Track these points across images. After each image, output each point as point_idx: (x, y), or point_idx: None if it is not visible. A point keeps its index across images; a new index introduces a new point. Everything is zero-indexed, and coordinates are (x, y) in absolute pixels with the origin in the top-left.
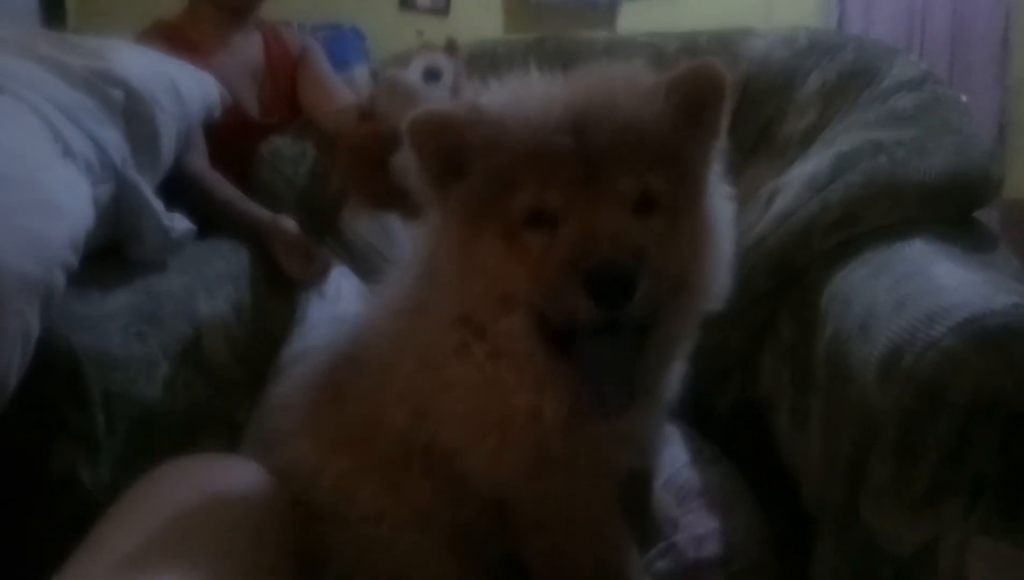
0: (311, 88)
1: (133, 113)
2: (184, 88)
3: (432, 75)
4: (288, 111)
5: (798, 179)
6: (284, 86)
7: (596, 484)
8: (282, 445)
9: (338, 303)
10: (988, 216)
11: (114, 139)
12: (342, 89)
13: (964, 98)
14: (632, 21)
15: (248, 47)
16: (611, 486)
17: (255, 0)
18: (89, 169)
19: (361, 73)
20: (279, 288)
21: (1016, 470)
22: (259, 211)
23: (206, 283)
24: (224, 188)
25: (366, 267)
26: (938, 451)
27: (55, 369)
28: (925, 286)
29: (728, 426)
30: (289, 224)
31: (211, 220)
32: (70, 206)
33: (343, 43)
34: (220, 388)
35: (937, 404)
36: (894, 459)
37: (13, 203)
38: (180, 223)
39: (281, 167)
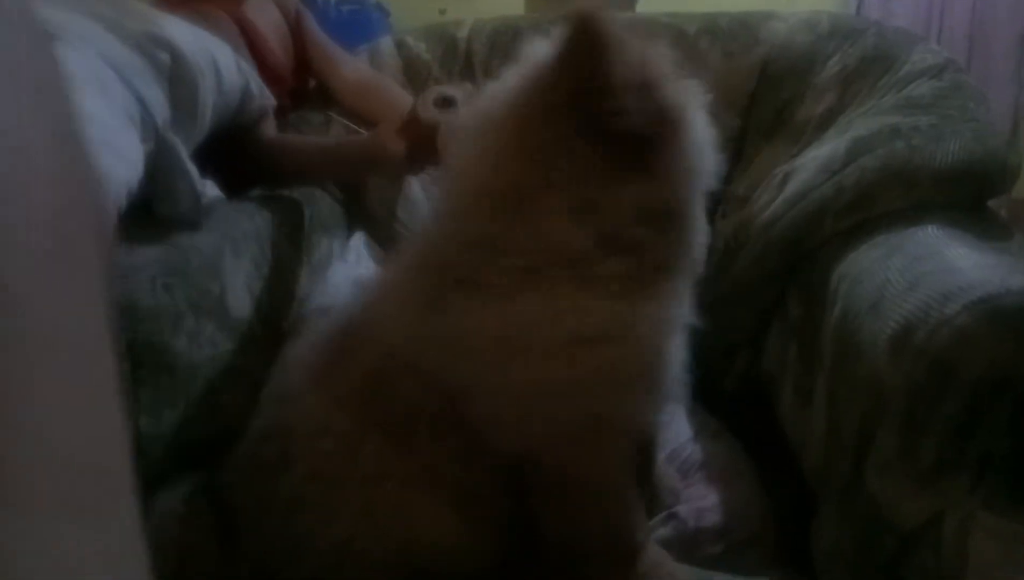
0: (318, 54)
1: (178, 77)
2: (224, 68)
3: (448, 102)
4: (307, 72)
5: (813, 162)
6: (298, 45)
7: (621, 446)
8: (289, 401)
9: (358, 266)
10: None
11: (158, 100)
12: (341, 52)
13: None
14: (653, 2)
15: (264, 17)
16: (631, 448)
17: None
18: (132, 121)
19: (386, 43)
20: (301, 248)
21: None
22: (356, 144)
23: (232, 241)
24: (310, 140)
25: (386, 234)
26: (946, 426)
27: None
28: (939, 266)
29: (733, 402)
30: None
31: (304, 178)
32: (129, 152)
33: (367, 18)
34: (242, 344)
35: (947, 380)
36: (902, 432)
37: (89, 136)
38: (211, 190)
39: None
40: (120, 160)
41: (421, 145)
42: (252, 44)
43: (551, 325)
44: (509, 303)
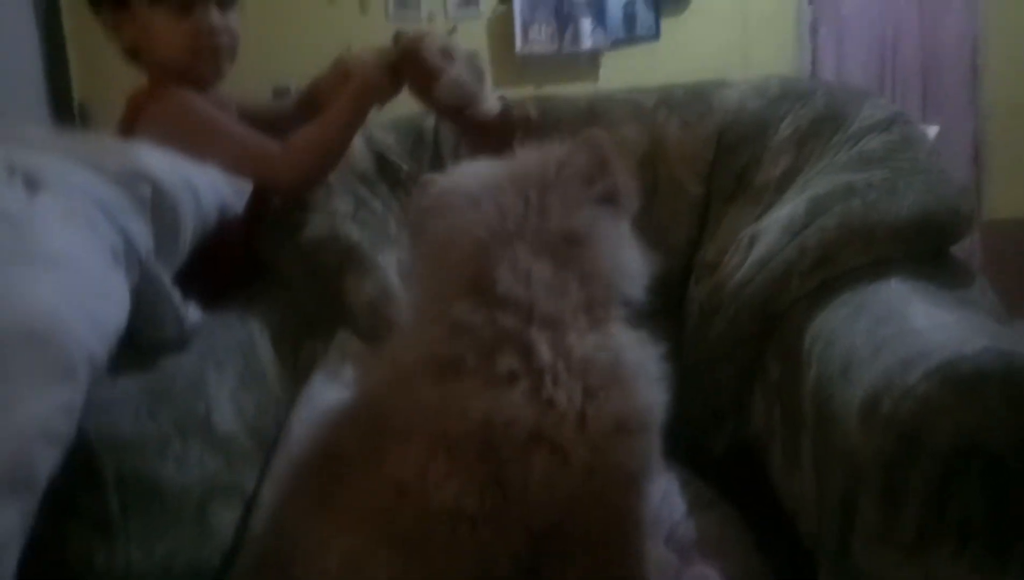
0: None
1: (159, 209)
2: (201, 189)
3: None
4: None
5: (775, 224)
6: None
7: (642, 494)
8: (286, 522)
9: (342, 366)
10: (969, 239)
11: (141, 232)
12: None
13: (936, 128)
14: (614, 69)
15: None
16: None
17: (218, 67)
18: (116, 259)
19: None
20: (285, 353)
21: (1002, 509)
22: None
23: (215, 357)
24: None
25: (368, 329)
26: (922, 495)
27: (69, 455)
28: (900, 330)
29: (725, 467)
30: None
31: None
32: (119, 297)
33: None
34: (231, 460)
35: (917, 450)
36: (881, 504)
37: (81, 287)
38: (194, 314)
39: (284, 236)
40: (111, 304)
41: (419, 86)
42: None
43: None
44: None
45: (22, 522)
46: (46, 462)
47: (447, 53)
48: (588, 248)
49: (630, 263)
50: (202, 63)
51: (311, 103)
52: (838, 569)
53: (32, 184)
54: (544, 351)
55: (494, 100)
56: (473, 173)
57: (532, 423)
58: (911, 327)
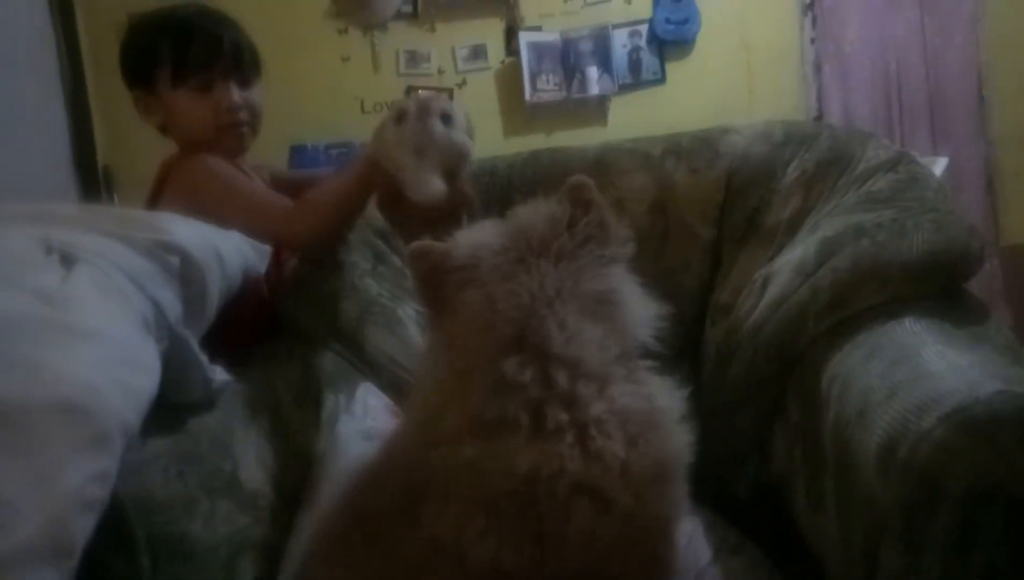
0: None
1: (188, 277)
2: (226, 255)
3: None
4: None
5: (787, 265)
6: None
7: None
8: None
9: (365, 419)
10: (988, 264)
11: (171, 301)
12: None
13: (947, 159)
14: (622, 115)
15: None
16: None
17: (240, 141)
18: (147, 328)
19: None
20: (308, 409)
21: None
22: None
23: (240, 416)
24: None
25: (389, 382)
26: (944, 541)
27: (102, 520)
28: (915, 373)
29: (749, 509)
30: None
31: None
32: (151, 365)
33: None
34: (258, 516)
35: (936, 495)
36: (902, 550)
37: (116, 358)
38: (220, 375)
39: (304, 291)
40: (143, 373)
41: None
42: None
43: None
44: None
45: None
46: (83, 529)
47: (447, 114)
48: (617, 306)
49: (645, 312)
50: (225, 138)
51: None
52: None
53: (68, 260)
54: (593, 403)
55: (439, 185)
56: (478, 237)
57: (578, 474)
58: (925, 370)
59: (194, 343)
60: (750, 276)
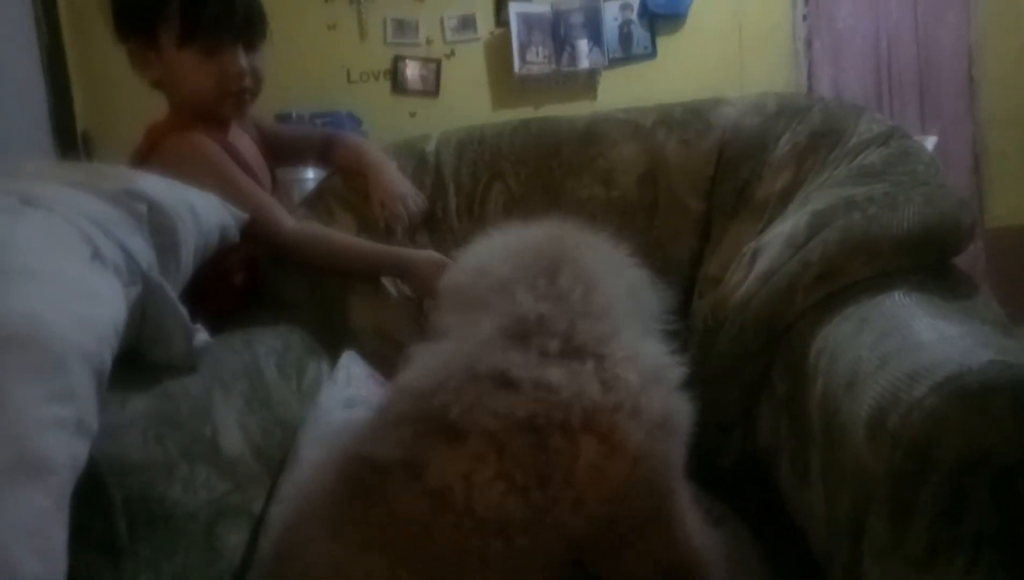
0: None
1: (156, 224)
2: (200, 209)
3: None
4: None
5: (778, 238)
6: (269, 162)
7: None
8: (302, 547)
9: (348, 387)
10: (972, 246)
11: (141, 247)
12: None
13: (935, 138)
14: (612, 89)
15: (243, 145)
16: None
17: (241, 108)
18: (118, 272)
19: None
20: (291, 377)
21: (1014, 523)
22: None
23: (221, 380)
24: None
25: (373, 351)
26: (932, 509)
27: (78, 482)
28: (906, 343)
29: (734, 481)
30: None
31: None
32: (108, 296)
33: (341, 128)
34: (238, 482)
35: (925, 464)
36: (890, 518)
37: (61, 291)
38: (202, 335)
39: (287, 261)
40: (98, 303)
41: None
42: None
43: None
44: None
45: (53, 504)
46: (57, 447)
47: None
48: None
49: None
50: (226, 104)
51: (328, 156)
52: None
53: (27, 201)
54: (611, 342)
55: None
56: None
57: (594, 398)
58: (916, 341)
59: (172, 293)
60: (739, 249)
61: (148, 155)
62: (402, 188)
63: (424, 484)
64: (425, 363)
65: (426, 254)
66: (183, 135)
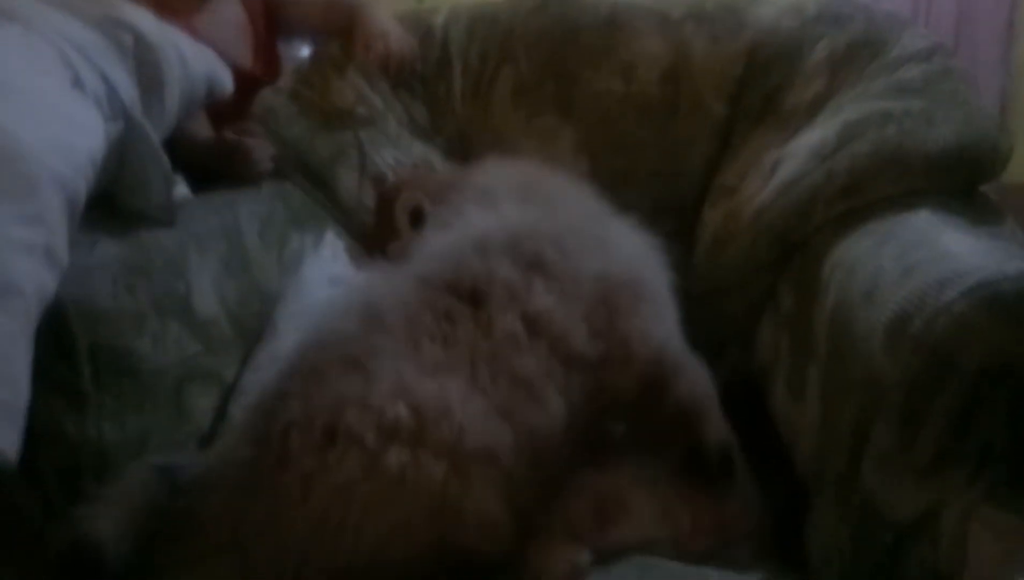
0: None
1: (142, 59)
2: (188, 55)
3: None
4: (276, 61)
5: (803, 148)
6: (264, 35)
7: None
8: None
9: (335, 264)
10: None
11: (124, 80)
12: None
13: None
14: None
15: (218, 21)
16: None
17: None
18: (98, 103)
19: None
20: (272, 245)
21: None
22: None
23: (198, 238)
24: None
25: (359, 228)
26: (945, 418)
27: (41, 320)
28: (934, 253)
29: (725, 398)
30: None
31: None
32: (87, 125)
33: None
34: (210, 345)
35: (946, 370)
36: (900, 425)
37: (38, 111)
38: (182, 188)
39: (276, 126)
40: (75, 130)
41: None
42: None
43: None
44: None
45: (19, 329)
46: (25, 271)
47: (417, 214)
48: None
49: None
50: None
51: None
52: (842, 495)
53: (2, 13)
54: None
55: None
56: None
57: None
58: (945, 251)
59: (153, 135)
60: (760, 159)
61: None
62: (386, 26)
63: (523, 308)
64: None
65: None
66: None
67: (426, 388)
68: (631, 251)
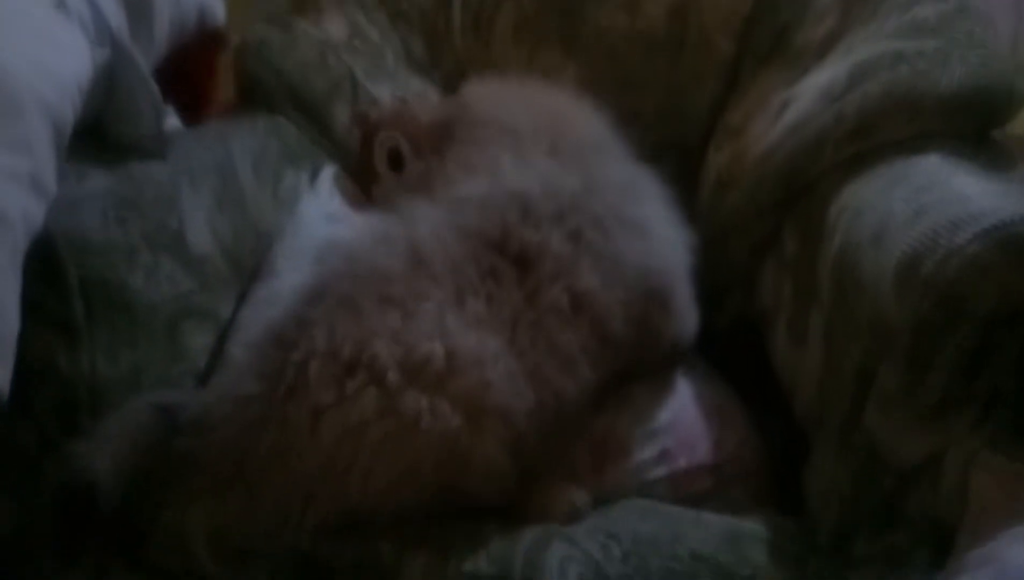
0: None
1: None
2: None
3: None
4: None
5: (813, 88)
6: None
7: None
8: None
9: (332, 201)
10: None
11: (110, 3)
12: None
13: None
14: None
15: None
16: None
17: None
18: (84, 27)
19: None
20: (266, 181)
21: None
22: None
23: (191, 173)
24: None
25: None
26: (953, 362)
27: (29, 252)
28: (946, 195)
29: (725, 344)
30: None
31: None
32: (72, 48)
33: None
34: (205, 282)
35: (956, 313)
36: (905, 369)
37: (20, 33)
38: (172, 120)
39: (269, 58)
40: (60, 52)
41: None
42: None
43: None
44: None
45: (7, 260)
46: (9, 197)
47: (395, 156)
48: None
49: None
50: None
51: None
52: (843, 439)
53: None
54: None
55: None
56: None
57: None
58: (958, 193)
59: (142, 62)
60: (767, 99)
61: None
62: None
63: (571, 282)
64: None
65: None
66: None
67: (467, 337)
68: (666, 237)
